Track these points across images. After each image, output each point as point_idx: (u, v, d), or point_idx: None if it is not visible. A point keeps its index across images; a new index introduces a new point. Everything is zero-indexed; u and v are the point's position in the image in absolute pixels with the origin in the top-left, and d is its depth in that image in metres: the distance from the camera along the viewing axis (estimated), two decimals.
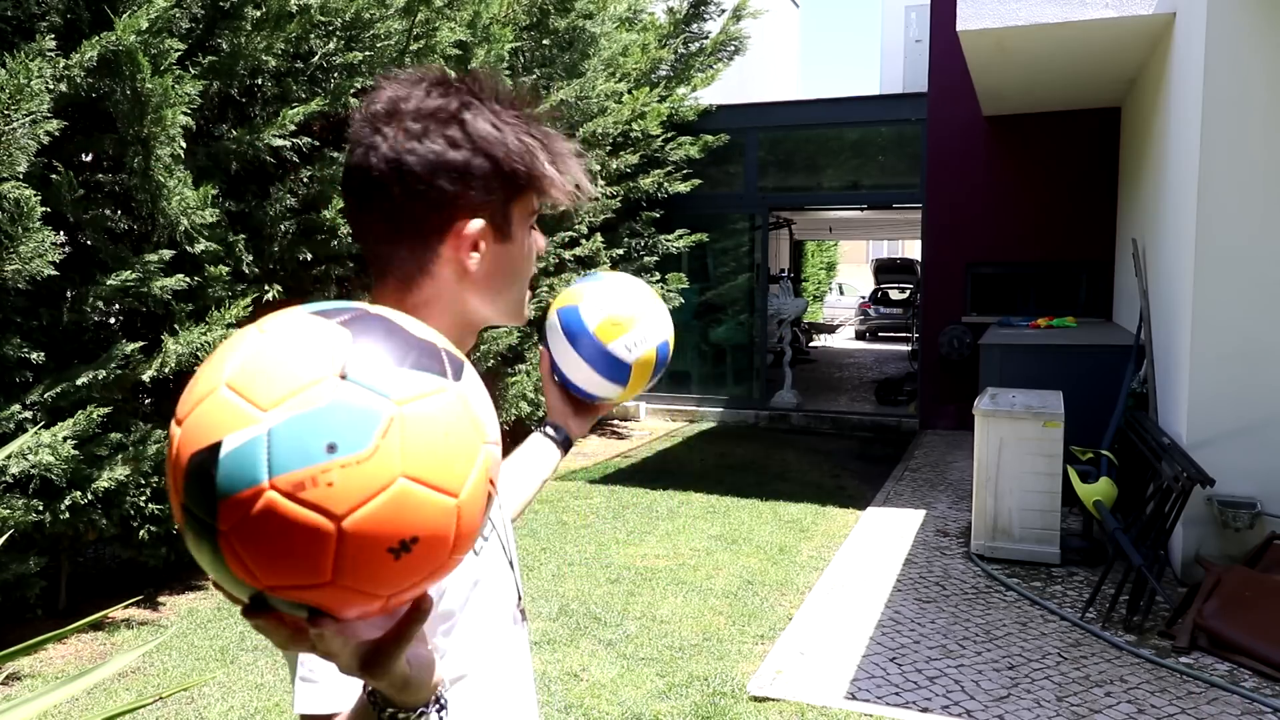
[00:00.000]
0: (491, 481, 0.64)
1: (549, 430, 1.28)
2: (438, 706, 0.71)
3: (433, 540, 0.58)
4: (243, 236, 4.54)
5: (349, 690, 0.73)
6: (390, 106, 0.89)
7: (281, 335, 0.59)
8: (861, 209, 13.04)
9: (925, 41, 10.11)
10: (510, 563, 1.04)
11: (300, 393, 0.56)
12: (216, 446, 0.55)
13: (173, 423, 0.60)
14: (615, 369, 1.23)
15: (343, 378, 0.57)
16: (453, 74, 0.92)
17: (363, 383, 0.57)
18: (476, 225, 0.90)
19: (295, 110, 4.51)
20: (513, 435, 7.16)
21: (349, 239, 5.06)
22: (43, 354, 3.83)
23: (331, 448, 0.54)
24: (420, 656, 0.69)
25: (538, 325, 7.55)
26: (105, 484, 3.94)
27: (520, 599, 1.06)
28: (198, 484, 0.56)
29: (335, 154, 4.96)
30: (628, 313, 1.24)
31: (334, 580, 0.56)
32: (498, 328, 5.58)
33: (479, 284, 0.93)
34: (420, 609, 0.65)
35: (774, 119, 9.92)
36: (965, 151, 8.97)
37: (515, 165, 0.90)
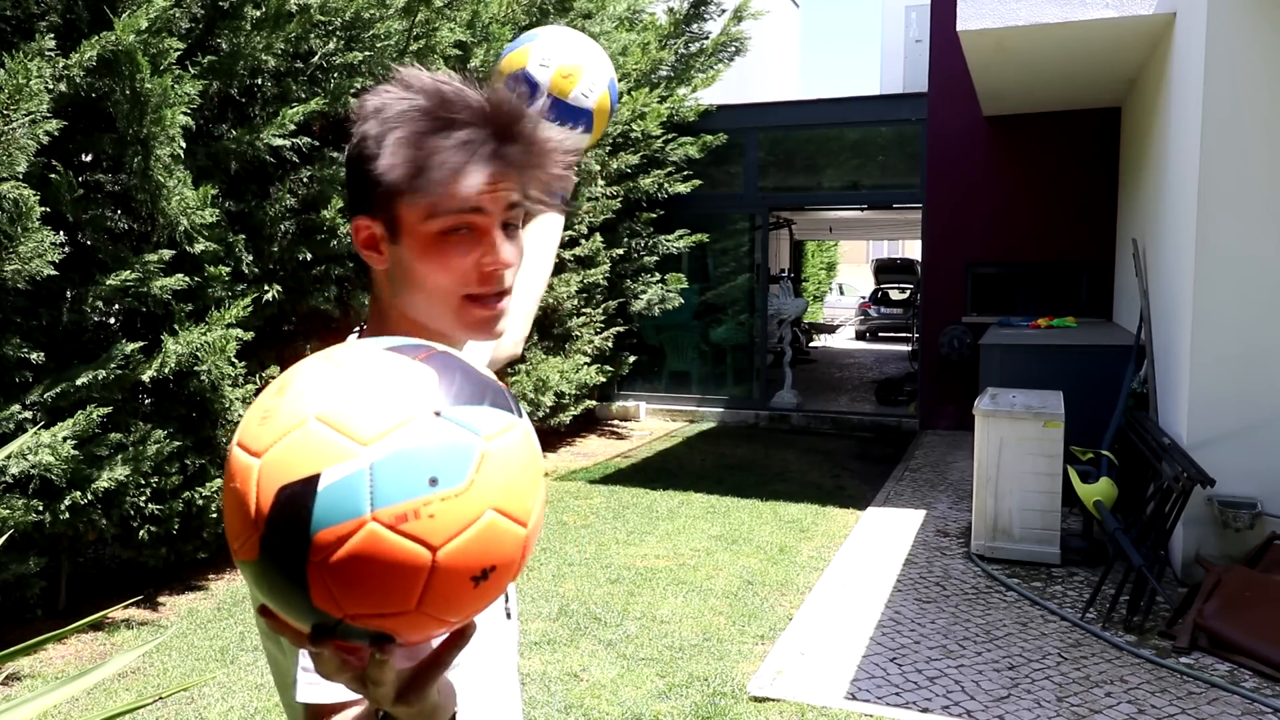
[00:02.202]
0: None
1: None
2: None
3: (505, 568, 0.61)
4: (242, 237, 4.53)
5: None
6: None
7: (364, 370, 0.60)
8: (861, 209, 13.04)
9: (925, 41, 10.11)
10: None
11: (400, 428, 0.57)
12: (314, 479, 0.56)
13: (239, 453, 0.59)
14: (581, 118, 1.30)
15: (437, 414, 0.59)
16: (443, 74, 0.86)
17: (456, 420, 0.59)
18: (364, 223, 0.88)
19: (295, 110, 4.51)
20: None
21: (348, 239, 5.05)
22: (43, 354, 3.82)
23: (433, 481, 0.57)
24: (446, 683, 0.68)
25: (535, 324, 7.55)
26: (105, 484, 3.93)
27: (508, 598, 1.06)
28: (289, 515, 0.56)
29: (335, 154, 4.96)
30: (575, 61, 1.29)
31: (417, 608, 0.58)
32: None
33: (397, 287, 0.89)
34: (465, 634, 0.65)
35: (774, 119, 9.91)
36: (965, 151, 8.97)
37: (371, 169, 0.83)
